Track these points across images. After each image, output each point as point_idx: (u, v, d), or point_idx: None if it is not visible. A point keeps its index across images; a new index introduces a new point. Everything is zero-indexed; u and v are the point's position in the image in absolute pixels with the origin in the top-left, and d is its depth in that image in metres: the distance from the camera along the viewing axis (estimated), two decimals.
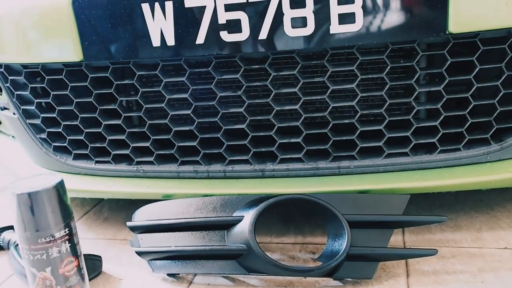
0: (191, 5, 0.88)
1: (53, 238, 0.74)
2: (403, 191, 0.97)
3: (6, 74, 1.07)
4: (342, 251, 0.86)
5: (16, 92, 1.08)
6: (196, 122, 1.00)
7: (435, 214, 1.09)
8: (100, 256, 1.00)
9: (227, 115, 0.99)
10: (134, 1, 0.90)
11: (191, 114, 0.99)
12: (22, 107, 1.09)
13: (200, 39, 0.90)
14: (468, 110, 0.93)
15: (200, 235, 0.95)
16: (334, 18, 0.86)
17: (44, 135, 1.11)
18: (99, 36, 0.94)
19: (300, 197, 0.92)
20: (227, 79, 0.97)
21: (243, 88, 0.95)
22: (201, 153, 1.02)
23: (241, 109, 0.97)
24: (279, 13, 0.87)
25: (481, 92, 0.93)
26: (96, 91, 1.01)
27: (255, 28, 0.88)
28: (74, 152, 1.10)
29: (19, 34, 1.00)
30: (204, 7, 0.88)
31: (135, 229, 0.98)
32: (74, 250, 0.78)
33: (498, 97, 0.92)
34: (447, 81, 0.91)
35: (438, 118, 0.94)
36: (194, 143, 1.01)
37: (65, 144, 1.09)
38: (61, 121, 1.07)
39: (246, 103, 0.96)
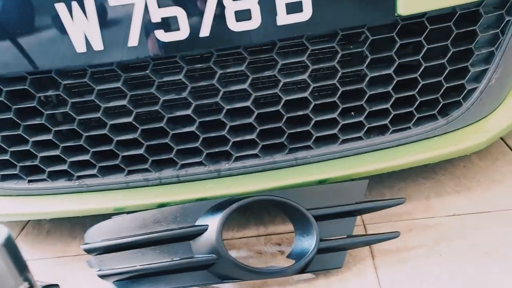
0: (116, 3, 0.78)
1: None
2: (361, 175, 0.97)
3: None
4: (312, 247, 0.86)
5: None
6: (139, 129, 0.91)
7: (386, 187, 1.12)
8: (57, 285, 0.92)
9: (173, 119, 0.92)
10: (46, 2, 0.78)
11: (132, 122, 0.90)
12: None
13: (133, 41, 0.81)
14: (417, 89, 0.94)
15: (164, 248, 0.90)
16: (281, 8, 0.80)
17: None
18: (9, 45, 0.81)
19: (264, 198, 0.89)
20: (169, 81, 0.88)
21: (188, 89, 0.88)
22: (150, 160, 0.95)
23: (189, 111, 0.90)
24: (220, 6, 0.79)
25: (428, 70, 0.93)
26: (15, 106, 0.89)
27: (195, 25, 0.80)
28: (1, 173, 0.98)
29: None
30: (133, 4, 0.78)
31: (92, 251, 0.91)
32: None
33: (444, 74, 0.93)
34: (396, 63, 0.90)
35: (390, 100, 0.94)
36: (141, 151, 0.94)
37: None
38: None
39: (193, 105, 0.89)
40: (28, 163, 0.95)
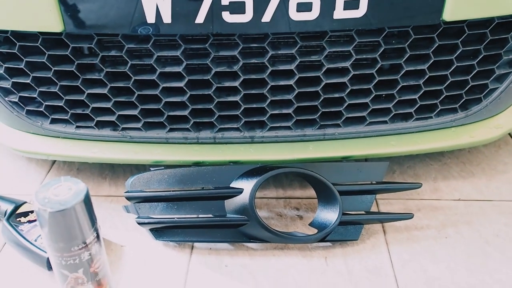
0: None
1: (85, 245, 0.76)
2: (381, 156, 1.07)
3: None
4: (335, 219, 0.97)
5: None
6: (188, 94, 0.98)
7: (396, 163, 1.22)
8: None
9: (220, 88, 0.99)
10: None
11: (184, 87, 0.97)
12: None
13: (200, 19, 0.86)
14: (445, 85, 1.02)
15: (200, 204, 1.00)
16: (339, 4, 0.86)
17: (15, 98, 1.03)
18: (84, 8, 0.86)
19: (295, 170, 0.99)
20: (224, 56, 0.95)
21: (240, 64, 0.94)
22: (192, 121, 1.03)
23: (236, 83, 0.97)
24: None
25: (457, 68, 1.01)
26: (78, 61, 0.95)
27: (259, 10, 0.86)
28: (52, 116, 1.04)
29: None
30: None
31: (133, 199, 1.00)
32: (101, 248, 0.80)
33: (472, 74, 1.01)
34: (432, 61, 0.98)
35: (419, 91, 1.02)
36: (186, 113, 1.01)
37: (40, 109, 1.03)
38: (36, 87, 0.99)
39: (242, 78, 0.96)
40: (79, 111, 1.02)
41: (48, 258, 0.92)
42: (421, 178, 1.19)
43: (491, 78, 1.04)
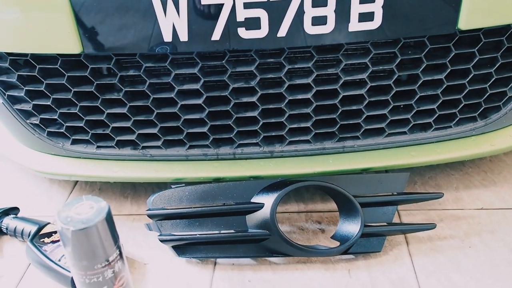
0: (207, 2, 0.84)
1: (108, 262, 0.76)
2: (401, 167, 1.07)
3: None
4: (357, 231, 0.97)
5: None
6: (207, 110, 0.99)
7: (417, 174, 1.22)
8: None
9: (238, 104, 0.99)
10: None
11: (202, 104, 0.98)
12: (7, 93, 1.02)
13: (216, 36, 0.88)
14: (463, 94, 1.01)
15: (221, 220, 1.00)
16: (354, 17, 0.87)
17: (36, 121, 1.05)
18: (102, 30, 0.88)
19: (316, 183, 0.99)
20: (240, 71, 0.96)
21: (257, 79, 0.95)
22: (211, 138, 1.04)
23: (254, 99, 0.98)
24: (300, 11, 0.85)
25: (475, 77, 1.00)
26: (97, 81, 0.96)
27: (274, 25, 0.87)
28: (73, 137, 1.06)
29: (5, 21, 0.90)
30: (222, 4, 0.84)
31: (155, 216, 1.01)
32: (124, 266, 0.80)
33: (490, 82, 1.01)
34: (449, 70, 0.97)
35: (437, 101, 1.02)
36: (205, 130, 1.02)
37: (61, 130, 1.05)
38: (56, 109, 1.01)
39: (259, 93, 0.97)
40: (99, 131, 1.04)
41: (72, 278, 0.92)
42: (443, 188, 1.18)
43: (510, 86, 1.03)
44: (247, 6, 0.84)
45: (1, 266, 1.04)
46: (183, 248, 1.02)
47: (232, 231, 1.00)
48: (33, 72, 0.96)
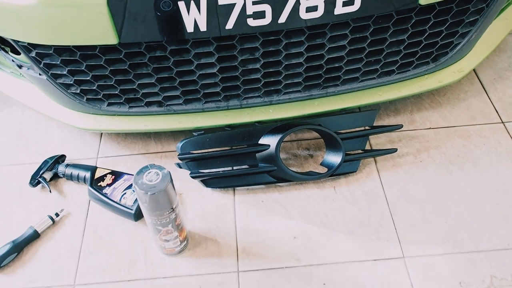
0: (223, 2, 1.04)
1: (172, 209, 1.07)
2: (371, 104, 1.37)
3: (31, 48, 1.15)
4: (340, 160, 1.30)
5: (43, 61, 1.18)
6: (220, 76, 1.23)
7: None
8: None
9: (244, 70, 1.23)
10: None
11: (216, 72, 1.22)
12: (50, 71, 1.21)
13: (229, 25, 1.09)
14: (420, 47, 1.28)
15: (238, 158, 1.30)
16: (339, 4, 1.09)
17: (76, 90, 1.26)
18: (135, 25, 1.07)
19: (309, 127, 1.29)
20: (247, 47, 1.18)
21: (260, 51, 1.19)
22: (222, 95, 1.29)
23: (258, 65, 1.22)
24: (297, 3, 1.07)
25: (429, 35, 1.27)
26: (130, 61, 1.17)
27: (276, 14, 1.09)
28: (108, 101, 1.29)
29: (52, 19, 1.07)
30: (235, 3, 1.05)
31: (185, 159, 1.30)
32: (180, 207, 1.11)
33: (441, 36, 1.28)
34: (410, 32, 1.23)
35: (400, 54, 1.29)
36: (218, 89, 1.27)
37: (99, 97, 1.27)
38: (94, 82, 1.23)
39: (262, 61, 1.21)
40: (131, 96, 1.27)
41: (134, 213, 1.23)
42: (400, 112, 1.50)
43: (456, 36, 1.30)
44: (255, 3, 1.05)
45: (68, 203, 1.33)
46: (209, 181, 1.33)
47: (246, 166, 1.31)
48: (75, 57, 1.16)
